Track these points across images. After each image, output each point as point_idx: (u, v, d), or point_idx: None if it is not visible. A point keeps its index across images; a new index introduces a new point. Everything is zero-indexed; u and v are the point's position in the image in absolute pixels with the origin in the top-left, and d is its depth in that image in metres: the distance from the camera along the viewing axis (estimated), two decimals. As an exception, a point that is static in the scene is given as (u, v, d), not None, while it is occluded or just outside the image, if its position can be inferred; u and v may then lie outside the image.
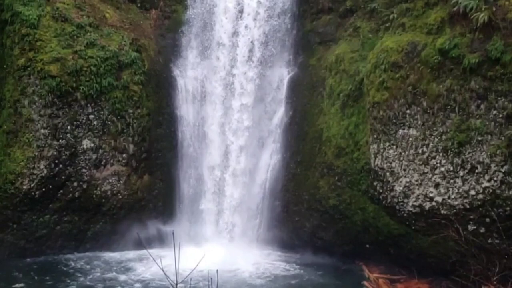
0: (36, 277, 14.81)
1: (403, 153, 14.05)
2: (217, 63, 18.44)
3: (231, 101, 18.19)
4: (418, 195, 13.82)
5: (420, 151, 13.73)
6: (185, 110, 18.41)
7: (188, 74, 18.57)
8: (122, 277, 15.06)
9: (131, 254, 16.78)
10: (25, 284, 14.25)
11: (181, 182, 18.27)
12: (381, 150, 14.48)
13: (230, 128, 18.12)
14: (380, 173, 14.55)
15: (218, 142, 18.25)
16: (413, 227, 14.18)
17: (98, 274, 15.23)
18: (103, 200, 16.98)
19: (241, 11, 18.35)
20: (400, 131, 14.07)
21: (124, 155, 17.17)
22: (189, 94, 18.46)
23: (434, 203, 13.57)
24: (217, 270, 5.89)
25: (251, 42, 18.05)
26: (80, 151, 16.56)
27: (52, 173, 16.20)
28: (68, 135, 16.38)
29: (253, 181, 17.98)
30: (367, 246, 15.58)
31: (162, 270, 5.20)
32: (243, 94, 18.06)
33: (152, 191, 17.85)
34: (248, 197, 17.93)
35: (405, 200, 14.07)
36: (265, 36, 18.04)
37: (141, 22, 18.63)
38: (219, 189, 18.14)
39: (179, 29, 18.86)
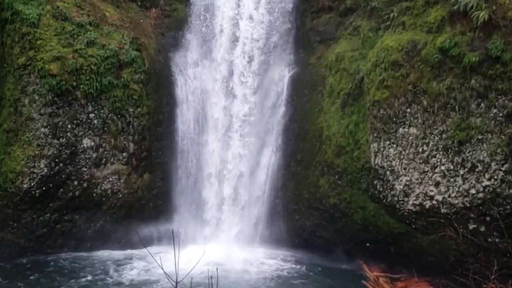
0: (31, 277, 14.77)
1: (403, 152, 14.05)
2: (217, 61, 18.44)
3: (231, 99, 18.19)
4: (418, 194, 13.82)
5: (420, 150, 13.72)
6: (185, 108, 18.40)
7: (188, 73, 18.56)
8: (121, 276, 15.06)
9: (131, 252, 16.77)
10: (19, 284, 14.22)
11: (181, 181, 18.27)
12: (381, 149, 14.48)
13: (230, 126, 18.12)
14: (380, 171, 14.55)
15: (218, 140, 18.26)
16: (413, 226, 14.18)
17: (97, 273, 15.23)
18: (103, 199, 16.99)
19: (240, 7, 18.38)
20: (401, 130, 14.06)
21: (124, 154, 17.17)
22: (189, 93, 18.46)
23: (434, 202, 13.57)
24: (217, 269, 5.89)
25: (251, 40, 18.03)
26: (80, 150, 16.57)
27: (52, 172, 16.21)
28: (69, 134, 16.39)
29: (253, 179, 17.99)
30: (367, 244, 15.59)
31: (162, 269, 5.20)
32: (243, 92, 18.06)
33: (152, 190, 17.86)
34: (248, 196, 17.94)
35: (405, 199, 14.07)
36: (265, 34, 18.04)
37: (141, 20, 18.63)
38: (219, 188, 18.15)
39: (179, 27, 18.87)
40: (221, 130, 18.22)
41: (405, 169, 14.05)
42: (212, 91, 18.41)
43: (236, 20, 18.29)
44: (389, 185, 14.37)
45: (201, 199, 18.03)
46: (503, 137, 12.33)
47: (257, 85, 18.02)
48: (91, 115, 16.64)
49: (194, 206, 18.17)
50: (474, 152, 12.80)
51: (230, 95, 18.20)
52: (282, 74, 18.13)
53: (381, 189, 14.62)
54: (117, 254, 16.80)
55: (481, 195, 12.79)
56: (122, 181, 17.16)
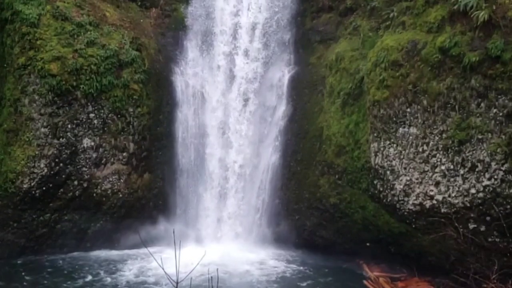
0: (29, 277, 14.72)
1: (403, 152, 14.05)
2: (217, 61, 18.43)
3: (231, 99, 18.18)
4: (418, 194, 13.82)
5: (420, 150, 13.72)
6: (185, 108, 18.40)
7: (188, 73, 18.56)
8: (120, 277, 15.04)
9: (132, 252, 16.77)
10: (17, 284, 14.19)
11: (181, 181, 18.27)
12: (382, 149, 14.48)
13: (230, 126, 18.12)
14: (380, 171, 14.55)
15: (218, 140, 18.26)
16: (413, 226, 14.18)
17: (96, 273, 15.22)
18: (104, 198, 16.99)
19: (240, 10, 18.31)
20: (401, 130, 14.06)
21: (124, 154, 17.17)
22: (189, 92, 18.45)
23: (434, 202, 13.57)
24: (217, 269, 5.89)
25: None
26: (80, 150, 16.56)
27: (52, 172, 16.21)
28: (69, 133, 16.39)
29: (253, 179, 17.98)
30: (368, 244, 15.58)
31: (163, 269, 5.20)
32: (243, 92, 18.05)
33: (152, 190, 17.86)
34: (248, 196, 17.94)
35: (406, 199, 14.07)
36: (265, 34, 18.01)
37: (141, 20, 18.62)
38: (219, 187, 18.14)
39: (179, 27, 18.86)
40: (217, 188, 17.98)
41: (405, 168, 14.05)
42: (208, 138, 18.26)
43: (232, 56, 18.16)
44: (389, 184, 14.37)
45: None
46: (503, 136, 12.32)
47: (252, 133, 17.94)
48: (91, 115, 16.64)
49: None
50: (474, 151, 12.79)
51: (226, 144, 18.06)
52: (282, 74, 18.12)
53: (381, 189, 14.62)
54: (117, 254, 16.79)
55: (481, 194, 12.79)
56: (122, 181, 17.16)
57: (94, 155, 16.74)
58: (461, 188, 13.12)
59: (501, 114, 12.34)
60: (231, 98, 18.10)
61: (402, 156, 14.08)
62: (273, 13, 18.14)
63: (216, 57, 18.40)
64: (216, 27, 18.52)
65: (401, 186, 14.10)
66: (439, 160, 13.42)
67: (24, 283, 14.28)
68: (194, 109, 18.37)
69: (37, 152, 16.03)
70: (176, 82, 18.25)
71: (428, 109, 13.46)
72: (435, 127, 13.40)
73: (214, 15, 18.60)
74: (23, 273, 14.98)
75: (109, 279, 14.85)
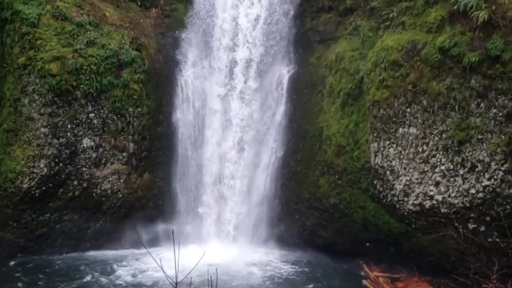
0: (27, 278, 14.68)
1: (403, 152, 14.05)
2: (217, 61, 18.41)
3: (231, 99, 18.16)
4: (418, 194, 13.82)
5: (420, 150, 13.72)
6: (185, 108, 18.39)
7: (188, 73, 18.54)
8: (119, 277, 15.02)
9: (131, 252, 16.75)
10: (14, 285, 14.16)
11: (181, 181, 18.26)
12: (381, 149, 14.48)
13: (230, 126, 18.10)
14: (380, 171, 14.55)
15: (217, 140, 18.24)
16: (413, 226, 14.19)
17: (95, 273, 15.17)
18: (103, 198, 16.99)
19: (236, 45, 18.09)
20: (400, 130, 14.06)
21: (124, 154, 17.17)
22: (189, 93, 18.44)
23: (434, 202, 13.57)
24: (216, 269, 5.88)
25: (251, 40, 17.98)
26: (80, 150, 16.56)
27: (52, 172, 16.20)
28: (68, 133, 16.38)
29: (253, 179, 17.97)
30: (367, 244, 15.59)
31: (162, 269, 5.19)
32: (243, 92, 18.04)
33: (152, 190, 17.86)
34: (248, 196, 17.93)
35: (405, 199, 14.07)
36: (265, 34, 17.99)
37: (141, 20, 18.61)
38: (219, 187, 18.14)
39: (179, 27, 18.84)
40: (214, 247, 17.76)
41: (405, 169, 14.04)
42: (203, 196, 18.08)
43: (227, 97, 17.93)
44: (389, 185, 14.37)
45: None
46: (503, 137, 12.32)
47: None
48: (91, 115, 16.64)
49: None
50: (474, 152, 12.79)
51: (220, 198, 17.89)
52: (282, 74, 18.10)
53: (381, 189, 14.62)
54: (116, 254, 16.77)
55: (481, 195, 12.79)
56: (122, 181, 17.16)
57: (94, 155, 16.73)
58: (461, 188, 13.12)
59: (501, 114, 12.34)
60: (227, 147, 17.90)
61: (402, 156, 14.08)
62: (269, 47, 17.80)
63: (212, 99, 18.17)
64: (213, 62, 18.25)
65: (401, 186, 14.10)
66: (439, 160, 13.42)
67: (20, 284, 14.24)
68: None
69: (37, 152, 16.03)
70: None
71: (428, 109, 13.46)
72: (435, 127, 13.40)
73: (212, 44, 18.26)
74: (20, 274, 14.94)
75: (106, 280, 14.82)
